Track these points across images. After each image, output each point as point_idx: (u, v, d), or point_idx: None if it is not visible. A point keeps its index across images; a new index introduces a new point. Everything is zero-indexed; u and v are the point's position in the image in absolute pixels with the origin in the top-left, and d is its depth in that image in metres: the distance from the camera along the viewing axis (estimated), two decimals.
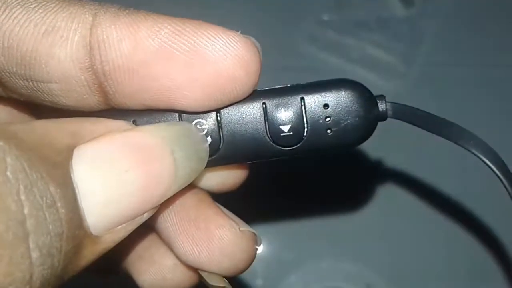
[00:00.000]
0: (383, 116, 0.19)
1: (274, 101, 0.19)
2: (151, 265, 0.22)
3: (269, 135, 0.19)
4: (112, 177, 0.15)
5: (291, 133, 0.19)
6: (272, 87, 0.19)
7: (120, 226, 0.16)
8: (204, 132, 0.19)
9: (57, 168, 0.14)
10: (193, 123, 0.19)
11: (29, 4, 0.16)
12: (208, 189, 0.22)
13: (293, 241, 0.38)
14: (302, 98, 0.19)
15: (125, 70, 0.17)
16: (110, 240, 0.16)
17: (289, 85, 0.19)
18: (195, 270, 0.21)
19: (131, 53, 0.17)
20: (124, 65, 0.17)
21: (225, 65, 0.17)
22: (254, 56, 0.17)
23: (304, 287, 0.37)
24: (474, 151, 0.18)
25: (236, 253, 0.20)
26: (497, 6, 0.42)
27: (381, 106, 0.19)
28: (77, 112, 0.18)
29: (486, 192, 0.37)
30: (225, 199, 0.22)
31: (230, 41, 0.17)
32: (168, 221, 0.20)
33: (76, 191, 0.14)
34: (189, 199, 0.21)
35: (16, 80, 0.17)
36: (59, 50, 0.16)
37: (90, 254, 0.15)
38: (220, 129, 0.19)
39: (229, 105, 0.19)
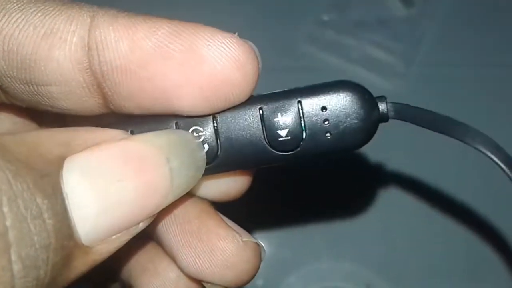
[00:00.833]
0: (384, 118, 0.19)
1: (270, 105, 0.18)
2: (154, 277, 0.22)
3: (267, 141, 0.18)
4: (104, 187, 0.15)
5: (289, 137, 0.18)
6: (269, 92, 0.19)
7: (114, 236, 0.15)
8: (201, 140, 0.19)
9: (46, 178, 0.14)
10: (190, 130, 0.19)
11: (28, 8, 0.17)
12: (210, 199, 0.22)
13: (293, 241, 0.38)
14: (299, 101, 0.18)
15: (123, 71, 0.17)
16: (103, 250, 0.15)
17: (286, 89, 0.19)
18: (198, 282, 0.21)
19: (128, 53, 0.17)
20: (122, 66, 0.17)
21: (221, 66, 0.17)
22: (251, 59, 0.17)
23: (304, 287, 0.37)
24: (481, 148, 0.18)
25: (239, 265, 0.20)
26: (497, 6, 0.42)
27: (382, 107, 0.19)
28: (78, 117, 0.19)
29: (488, 192, 0.37)
30: (225, 203, 0.22)
31: (226, 42, 0.17)
32: (170, 233, 0.20)
33: (66, 201, 0.14)
34: (191, 209, 0.20)
35: (17, 85, 0.17)
36: (58, 51, 0.17)
37: (81, 265, 0.15)
38: (217, 136, 0.19)
39: (226, 110, 0.18)
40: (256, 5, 0.42)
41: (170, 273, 0.21)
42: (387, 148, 0.34)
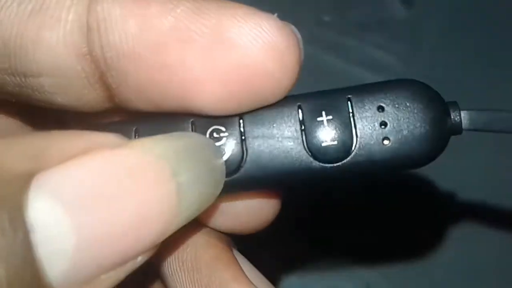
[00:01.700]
0: (457, 129, 0.15)
1: (312, 103, 0.15)
2: None
3: (306, 147, 0.15)
4: (86, 213, 0.11)
5: (335, 143, 0.15)
6: (308, 92, 0.16)
7: (103, 276, 0.12)
8: (222, 143, 0.15)
9: (3, 204, 0.10)
10: (209, 131, 0.15)
11: None
12: (226, 230, 0.18)
13: (292, 241, 0.38)
14: (349, 98, 0.15)
15: (131, 57, 0.14)
16: None
17: (331, 89, 0.16)
18: None
19: (138, 35, 0.13)
20: (130, 51, 0.13)
21: (254, 54, 0.13)
22: (292, 47, 0.14)
23: (304, 287, 0.37)
24: None
25: None
26: (497, 6, 0.42)
27: (454, 115, 0.15)
28: (79, 114, 0.15)
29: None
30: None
31: (262, 24, 0.14)
32: (177, 281, 0.17)
33: (31, 236, 0.10)
34: (201, 253, 0.17)
35: (2, 75, 0.14)
36: (49, 33, 0.13)
37: None
38: (244, 140, 0.15)
39: (256, 109, 0.15)
40: (256, 5, 0.42)
41: None
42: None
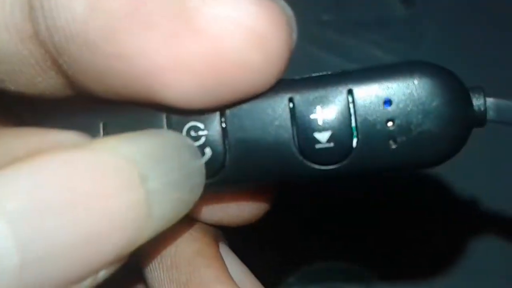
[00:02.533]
0: (480, 119, 0.13)
1: (306, 95, 0.13)
2: None
3: (298, 148, 0.13)
4: (32, 227, 0.09)
5: (331, 144, 0.12)
6: (304, 76, 0.13)
7: None
8: (202, 142, 0.13)
9: None
10: (186, 127, 0.13)
11: None
12: (215, 223, 0.16)
13: (292, 241, 0.38)
14: (350, 90, 0.12)
15: (82, 42, 0.11)
16: None
17: (329, 72, 0.13)
18: None
19: (87, 18, 0.11)
20: (79, 35, 0.11)
21: (228, 40, 0.11)
22: (278, 31, 0.11)
23: (304, 287, 0.37)
24: None
25: None
26: (498, 6, 0.42)
27: (478, 102, 0.13)
28: (48, 101, 0.13)
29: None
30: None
31: (241, 2, 0.11)
32: (155, 278, 0.15)
33: None
34: (182, 248, 0.15)
35: None
36: None
37: None
38: (225, 137, 0.13)
39: (238, 104, 0.13)
40: None
41: None
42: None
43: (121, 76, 0.12)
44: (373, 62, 0.40)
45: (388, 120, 0.12)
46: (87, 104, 0.13)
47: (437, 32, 0.41)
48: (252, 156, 0.13)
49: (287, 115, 0.13)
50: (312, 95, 0.13)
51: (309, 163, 0.13)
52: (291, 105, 0.13)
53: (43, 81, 0.12)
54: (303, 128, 0.13)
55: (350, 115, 0.12)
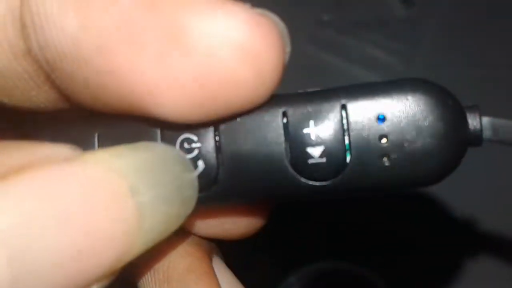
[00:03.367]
0: (476, 138, 0.13)
1: (299, 109, 0.13)
2: None
3: (291, 162, 0.13)
4: (22, 243, 0.09)
5: (324, 159, 0.12)
6: (297, 92, 0.13)
7: None
8: (195, 154, 0.13)
9: None
10: (179, 140, 0.13)
11: None
12: (209, 237, 0.16)
13: (293, 241, 0.38)
14: (343, 105, 0.12)
15: (73, 59, 0.11)
16: None
17: (323, 89, 0.13)
18: None
19: (78, 34, 0.11)
20: (71, 52, 0.11)
21: (219, 58, 0.11)
22: (270, 47, 0.11)
23: (304, 287, 0.37)
24: None
25: None
26: (497, 6, 0.42)
27: (473, 122, 0.13)
28: (39, 114, 0.14)
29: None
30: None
31: (230, 19, 0.11)
32: None
33: None
34: (174, 262, 0.15)
35: None
36: None
37: None
38: (219, 151, 0.13)
39: (232, 118, 0.13)
40: (255, 5, 0.42)
41: None
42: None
43: (113, 91, 0.12)
44: (373, 61, 0.41)
45: (381, 137, 0.12)
46: (82, 116, 0.14)
47: (437, 32, 0.41)
48: (245, 169, 0.13)
49: (280, 129, 0.13)
50: (305, 109, 0.13)
51: (302, 179, 0.13)
52: (284, 119, 0.13)
53: (37, 95, 0.13)
54: (296, 143, 0.13)
55: (343, 130, 0.12)
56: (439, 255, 0.37)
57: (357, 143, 0.12)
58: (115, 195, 0.10)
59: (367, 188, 0.13)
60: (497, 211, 0.36)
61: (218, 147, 0.13)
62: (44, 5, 0.11)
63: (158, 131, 0.13)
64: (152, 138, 0.13)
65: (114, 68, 0.11)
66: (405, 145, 0.12)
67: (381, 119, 0.12)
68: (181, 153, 0.13)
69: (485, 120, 0.13)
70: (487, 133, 0.13)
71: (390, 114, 0.12)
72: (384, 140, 0.12)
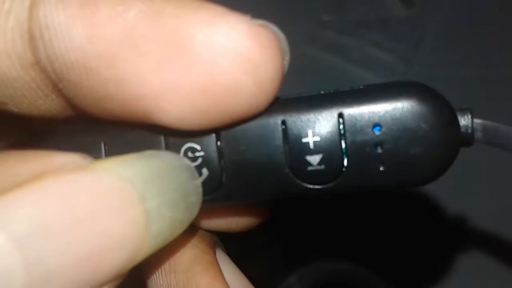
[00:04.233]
0: (468, 139, 0.13)
1: (298, 118, 0.13)
2: None
3: (290, 169, 0.13)
4: (38, 247, 0.10)
5: (322, 166, 0.13)
6: (297, 96, 0.14)
7: None
8: (199, 162, 0.13)
9: None
10: (183, 149, 0.14)
11: None
12: (213, 230, 0.17)
13: (293, 241, 0.38)
14: (340, 114, 0.13)
15: (81, 69, 0.12)
16: None
17: (322, 92, 0.14)
18: None
19: (85, 45, 0.12)
20: (78, 62, 0.12)
21: (221, 67, 0.12)
22: (269, 56, 0.12)
23: (304, 287, 0.37)
24: None
25: None
26: (497, 6, 0.42)
27: (465, 123, 0.13)
28: (48, 121, 0.14)
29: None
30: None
31: (231, 30, 0.12)
32: (155, 283, 0.16)
33: None
34: (180, 254, 0.15)
35: None
36: None
37: None
38: (221, 158, 0.13)
39: (233, 125, 0.13)
40: (255, 5, 0.42)
41: None
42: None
43: (118, 100, 0.12)
44: (373, 62, 0.41)
45: (376, 144, 0.13)
46: (89, 124, 0.14)
47: (437, 32, 0.41)
48: (247, 175, 0.13)
49: (279, 137, 0.13)
50: (303, 118, 0.13)
51: (301, 183, 0.13)
52: (283, 127, 0.13)
53: (44, 104, 0.13)
54: (295, 151, 0.13)
55: (341, 138, 0.13)
56: (439, 255, 0.37)
57: (353, 150, 0.13)
58: (125, 202, 0.11)
59: (363, 189, 0.13)
60: (497, 211, 0.36)
61: (220, 155, 0.13)
62: (52, 18, 0.12)
63: (162, 139, 0.14)
64: (156, 147, 0.14)
65: (119, 77, 0.12)
66: (400, 150, 0.13)
67: (377, 126, 0.13)
68: (187, 161, 0.13)
69: (477, 122, 0.14)
70: (478, 135, 0.13)
71: (385, 121, 0.13)
72: (379, 147, 0.13)
